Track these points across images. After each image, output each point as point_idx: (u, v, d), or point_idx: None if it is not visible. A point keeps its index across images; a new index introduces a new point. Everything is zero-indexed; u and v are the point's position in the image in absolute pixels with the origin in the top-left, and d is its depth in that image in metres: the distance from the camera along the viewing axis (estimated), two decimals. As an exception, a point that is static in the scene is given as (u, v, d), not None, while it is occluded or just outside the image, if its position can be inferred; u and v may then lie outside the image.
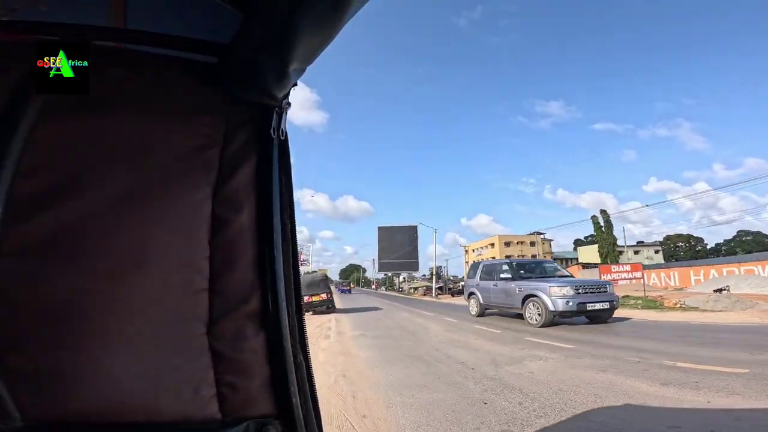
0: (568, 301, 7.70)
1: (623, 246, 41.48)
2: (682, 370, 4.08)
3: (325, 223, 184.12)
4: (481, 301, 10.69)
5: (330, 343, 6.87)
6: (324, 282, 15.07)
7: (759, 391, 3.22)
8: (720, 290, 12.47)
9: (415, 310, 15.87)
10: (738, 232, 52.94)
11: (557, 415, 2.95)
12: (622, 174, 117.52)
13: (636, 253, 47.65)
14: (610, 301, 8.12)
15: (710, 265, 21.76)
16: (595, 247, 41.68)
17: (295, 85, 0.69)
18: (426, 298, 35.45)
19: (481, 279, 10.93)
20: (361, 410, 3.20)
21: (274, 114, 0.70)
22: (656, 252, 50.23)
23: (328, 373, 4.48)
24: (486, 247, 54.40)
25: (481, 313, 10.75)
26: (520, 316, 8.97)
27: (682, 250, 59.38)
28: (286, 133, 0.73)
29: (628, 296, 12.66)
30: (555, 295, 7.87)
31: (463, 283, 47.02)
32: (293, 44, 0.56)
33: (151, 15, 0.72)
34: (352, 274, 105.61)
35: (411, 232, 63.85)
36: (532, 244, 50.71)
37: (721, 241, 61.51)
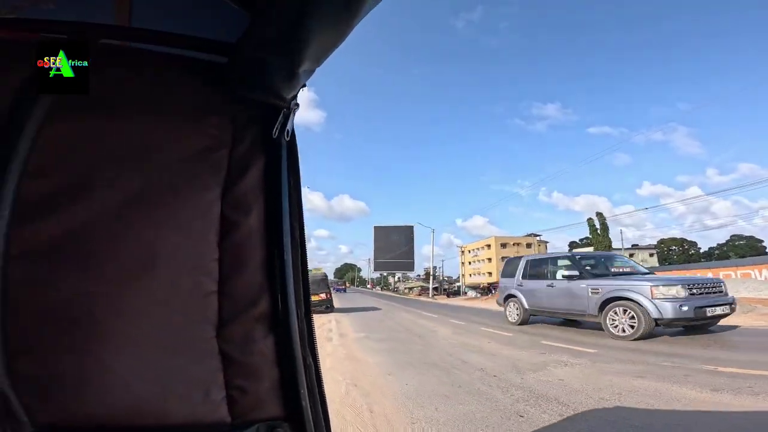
0: (681, 305, 5.70)
1: (618, 249, 41.62)
2: (727, 375, 3.76)
3: (320, 222, 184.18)
4: (526, 306, 8.37)
5: (334, 347, 6.45)
6: (323, 281, 14.79)
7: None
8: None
9: (416, 311, 15.58)
10: (731, 236, 53.47)
11: (611, 428, 2.59)
12: (616, 177, 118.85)
13: (631, 255, 47.67)
14: (730, 304, 6.24)
15: (707, 268, 21.85)
16: (590, 249, 41.78)
17: (304, 86, 0.67)
18: (422, 298, 35.38)
19: (524, 278, 8.68)
20: (382, 428, 2.79)
21: (282, 115, 0.68)
22: (651, 255, 50.53)
23: (337, 382, 4.05)
24: (482, 248, 54.34)
25: (525, 321, 8.47)
26: (592, 326, 7.12)
27: (675, 254, 59.96)
28: (293, 133, 0.72)
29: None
30: (662, 298, 5.82)
31: (458, 284, 48.09)
32: (303, 44, 0.54)
33: (157, 14, 0.68)
34: (346, 274, 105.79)
35: (407, 232, 63.83)
36: (528, 245, 50.80)
37: (714, 245, 62.30)
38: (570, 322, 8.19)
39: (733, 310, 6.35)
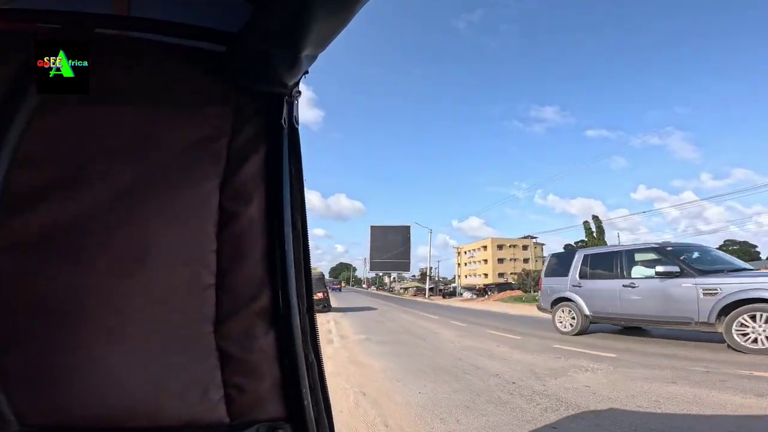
0: None
1: (614, 250, 41.81)
2: (763, 379, 3.51)
3: (316, 221, 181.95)
4: (587, 312, 6.65)
5: (335, 350, 6.10)
6: (320, 280, 14.86)
7: None
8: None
9: (414, 312, 15.29)
10: (725, 241, 53.37)
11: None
12: (612, 180, 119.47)
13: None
14: None
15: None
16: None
17: (306, 72, 0.66)
18: (418, 298, 35.21)
19: (582, 277, 6.92)
20: (401, 445, 2.45)
21: (285, 103, 0.68)
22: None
23: (343, 390, 3.69)
24: (478, 249, 54.29)
25: (584, 329, 6.76)
26: (692, 337, 5.74)
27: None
28: (297, 122, 0.70)
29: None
30: None
31: (453, 285, 47.48)
32: (306, 33, 0.54)
33: (156, 3, 0.66)
34: (342, 273, 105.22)
35: (404, 232, 63.57)
36: (525, 247, 50.89)
37: (707, 248, 62.58)
38: (630, 329, 6.83)
39: None
